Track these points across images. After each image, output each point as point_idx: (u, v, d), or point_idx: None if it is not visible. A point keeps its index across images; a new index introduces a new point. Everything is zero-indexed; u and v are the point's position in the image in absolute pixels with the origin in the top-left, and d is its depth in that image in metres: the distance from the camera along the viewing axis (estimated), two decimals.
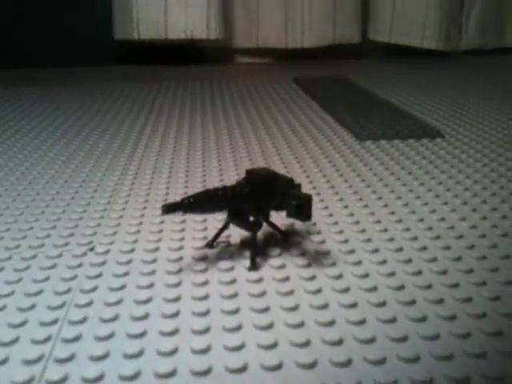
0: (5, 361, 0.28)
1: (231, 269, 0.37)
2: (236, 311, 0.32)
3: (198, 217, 0.45)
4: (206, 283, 0.35)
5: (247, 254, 0.38)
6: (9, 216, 0.46)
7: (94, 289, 0.34)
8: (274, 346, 0.29)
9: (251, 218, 0.38)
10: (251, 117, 0.79)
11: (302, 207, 0.35)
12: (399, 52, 1.33)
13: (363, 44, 1.35)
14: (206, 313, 0.32)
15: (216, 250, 0.39)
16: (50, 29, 1.27)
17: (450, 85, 1.02)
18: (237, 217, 0.38)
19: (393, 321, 0.31)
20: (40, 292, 0.34)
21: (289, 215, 0.36)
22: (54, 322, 0.31)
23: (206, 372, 0.27)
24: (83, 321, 0.31)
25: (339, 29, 1.31)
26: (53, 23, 1.27)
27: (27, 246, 0.40)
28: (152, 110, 0.84)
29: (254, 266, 0.37)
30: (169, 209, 0.35)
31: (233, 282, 0.35)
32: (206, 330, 0.30)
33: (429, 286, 0.35)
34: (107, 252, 0.39)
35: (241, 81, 1.09)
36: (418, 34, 1.29)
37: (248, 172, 0.38)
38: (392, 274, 0.36)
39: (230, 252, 0.39)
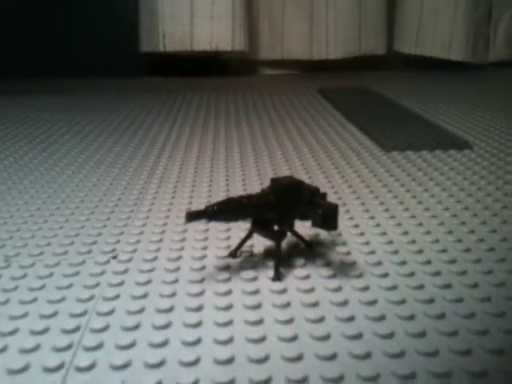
0: (26, 368, 0.28)
1: (255, 279, 0.36)
2: (260, 322, 0.31)
3: (222, 226, 0.44)
4: (229, 293, 0.34)
5: (271, 263, 0.38)
6: (33, 224, 0.46)
7: (117, 297, 0.34)
8: (298, 358, 0.28)
9: (275, 227, 0.37)
10: (275, 127, 0.79)
11: (327, 216, 0.34)
12: (424, 64, 1.32)
13: (388, 55, 1.34)
14: (228, 323, 0.31)
15: (239, 260, 0.39)
16: (80, 40, 1.29)
17: (477, 96, 1.00)
18: (261, 226, 0.37)
19: (422, 335, 0.30)
20: (62, 299, 0.34)
21: (314, 225, 0.36)
22: (76, 329, 0.31)
23: (229, 383, 0.26)
24: (105, 329, 0.31)
25: (364, 40, 1.30)
26: (83, 35, 1.29)
27: (51, 253, 0.40)
28: (176, 121, 0.84)
29: (277, 276, 0.36)
30: (192, 217, 0.34)
31: (256, 292, 0.34)
32: (229, 341, 0.29)
33: (459, 300, 0.33)
34: (130, 260, 0.39)
35: (265, 92, 1.09)
36: (444, 45, 1.27)
37: (273, 180, 0.38)
38: (421, 287, 0.35)
39: (253, 262, 0.38)
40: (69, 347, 0.29)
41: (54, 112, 0.93)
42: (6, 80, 1.21)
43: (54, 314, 0.32)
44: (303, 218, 0.37)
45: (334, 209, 0.35)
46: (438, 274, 0.37)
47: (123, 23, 1.27)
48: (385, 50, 1.33)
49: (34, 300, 0.34)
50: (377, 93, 1.02)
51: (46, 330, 0.31)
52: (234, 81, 1.25)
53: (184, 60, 1.26)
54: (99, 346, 0.29)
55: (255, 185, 0.54)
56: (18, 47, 1.27)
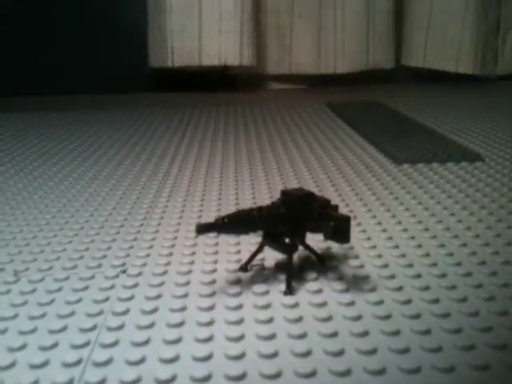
0: (35, 383, 0.27)
1: (266, 293, 0.36)
2: (272, 337, 0.31)
3: (232, 240, 0.44)
4: (240, 307, 0.34)
5: (282, 277, 0.37)
6: (43, 238, 0.46)
7: (126, 311, 0.34)
8: (312, 374, 0.27)
9: (287, 240, 0.37)
10: (284, 141, 0.79)
11: (339, 229, 0.34)
12: (433, 77, 1.31)
13: (396, 69, 1.34)
14: (240, 338, 0.31)
15: (250, 274, 0.38)
16: (89, 56, 1.30)
17: (486, 109, 1.00)
18: (272, 239, 0.37)
19: (439, 350, 0.29)
20: (72, 314, 0.34)
21: (326, 237, 0.35)
22: (86, 344, 0.30)
23: None
24: (115, 344, 0.30)
25: (372, 54, 1.30)
26: (92, 50, 1.30)
27: (60, 268, 0.40)
28: (185, 135, 0.84)
29: (289, 290, 0.35)
30: (203, 229, 0.34)
31: (268, 306, 0.34)
32: (241, 356, 0.29)
33: (475, 313, 0.33)
34: (140, 274, 0.39)
35: (274, 106, 1.09)
36: (452, 58, 1.27)
37: (283, 193, 0.37)
38: (436, 301, 0.34)
39: (264, 275, 0.38)
40: (78, 363, 0.29)
41: (61, 127, 0.93)
42: (16, 97, 1.22)
43: (63, 328, 0.32)
44: (315, 230, 0.36)
45: (346, 221, 0.34)
46: (453, 287, 0.36)
47: (132, 39, 1.28)
48: (393, 63, 1.33)
49: (44, 315, 0.33)
50: (386, 106, 1.02)
51: (55, 345, 0.30)
52: (242, 96, 1.25)
53: (192, 75, 1.26)
54: (109, 362, 0.29)
55: (265, 198, 0.54)
56: (27, 65, 1.29)
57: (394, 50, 1.33)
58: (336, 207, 0.37)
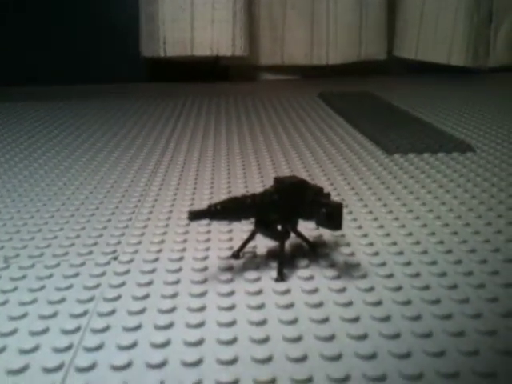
0: (25, 368, 0.27)
1: (258, 279, 0.36)
2: (263, 322, 0.31)
3: (224, 227, 0.44)
4: (231, 293, 0.34)
5: (274, 264, 0.37)
6: (33, 225, 0.45)
7: (118, 297, 0.34)
8: (303, 358, 0.27)
9: (279, 227, 0.37)
10: (276, 130, 0.78)
11: (332, 215, 0.34)
12: (425, 69, 1.32)
13: (389, 60, 1.34)
14: (232, 323, 0.31)
15: (242, 261, 0.38)
16: (81, 46, 1.29)
17: (478, 101, 1.00)
18: (264, 226, 0.37)
19: (429, 335, 0.29)
20: (63, 300, 0.33)
21: (318, 224, 0.35)
22: (76, 330, 0.30)
23: (233, 383, 0.26)
24: (106, 329, 0.30)
25: (365, 46, 1.30)
26: (84, 40, 1.29)
27: (51, 255, 0.40)
28: (177, 125, 0.84)
29: (281, 277, 0.35)
30: (195, 215, 0.34)
31: (259, 292, 0.34)
32: (233, 341, 0.29)
33: (465, 300, 0.33)
34: (131, 261, 0.38)
35: (266, 96, 1.09)
36: (445, 50, 1.27)
37: (276, 180, 0.37)
38: (426, 288, 0.34)
39: (256, 263, 0.38)
40: (69, 348, 0.29)
41: (53, 116, 0.92)
42: (8, 86, 1.21)
43: (54, 314, 0.32)
44: (307, 217, 0.36)
45: (338, 207, 0.34)
46: (443, 274, 0.36)
47: (124, 28, 1.27)
48: (385, 55, 1.33)
49: (34, 301, 0.33)
50: (378, 97, 1.02)
51: (45, 331, 0.30)
52: (234, 86, 1.25)
53: (185, 66, 1.26)
54: (100, 347, 0.29)
55: (257, 187, 0.54)
56: (19, 54, 1.27)
57: (386, 41, 1.33)
58: (328, 195, 0.37)
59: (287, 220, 0.37)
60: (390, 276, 0.36)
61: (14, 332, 0.30)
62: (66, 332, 0.30)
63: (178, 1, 1.16)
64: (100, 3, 1.28)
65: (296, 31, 1.29)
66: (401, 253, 0.39)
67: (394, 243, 0.41)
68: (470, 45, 1.26)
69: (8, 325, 0.31)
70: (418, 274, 0.36)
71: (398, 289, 0.34)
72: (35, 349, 0.29)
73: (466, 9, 1.24)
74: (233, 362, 0.27)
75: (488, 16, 1.27)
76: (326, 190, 0.37)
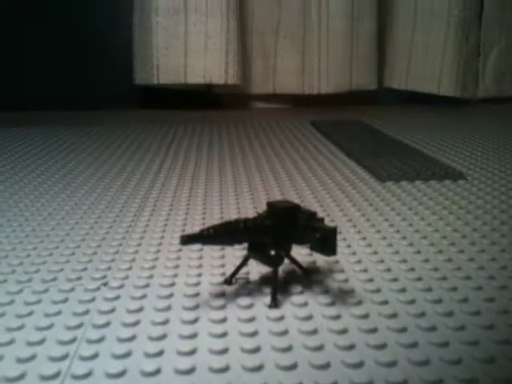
0: None
1: (250, 306, 0.35)
2: (256, 350, 0.30)
3: (216, 253, 0.43)
4: (224, 320, 0.33)
5: (267, 291, 0.37)
6: (22, 250, 0.45)
7: (107, 324, 0.33)
8: None
9: (272, 253, 0.36)
10: (269, 157, 0.78)
11: (326, 240, 0.34)
12: (416, 99, 1.33)
13: (379, 91, 1.36)
14: (224, 351, 0.30)
15: (235, 287, 0.38)
16: (75, 73, 1.29)
17: (468, 130, 1.01)
18: (257, 251, 0.36)
19: (426, 363, 0.29)
20: (51, 326, 0.33)
21: (312, 248, 0.35)
22: (65, 357, 0.29)
23: None
24: (95, 356, 0.29)
25: (356, 76, 1.31)
26: (78, 67, 1.30)
27: (40, 280, 0.39)
28: (169, 151, 0.84)
29: (274, 303, 0.35)
30: (187, 240, 0.33)
31: (252, 319, 0.33)
32: (225, 369, 0.28)
33: (462, 328, 0.32)
34: (121, 287, 0.38)
35: (258, 123, 1.10)
36: (434, 81, 1.29)
37: (269, 204, 0.37)
38: (422, 315, 0.34)
39: (249, 289, 0.37)
40: (57, 375, 0.28)
41: (43, 143, 0.92)
42: (4, 112, 1.21)
43: (42, 341, 0.31)
44: (301, 242, 0.36)
45: (332, 232, 0.34)
46: (439, 301, 0.36)
47: (118, 55, 1.28)
48: (376, 85, 1.34)
49: (22, 327, 0.32)
50: (369, 126, 1.03)
51: (32, 358, 0.29)
52: (226, 114, 1.25)
53: (176, 93, 1.27)
54: (88, 375, 0.28)
55: (250, 213, 0.53)
56: (15, 81, 1.28)
57: (377, 71, 1.34)
58: (322, 220, 0.37)
59: (280, 245, 0.36)
60: (385, 303, 0.35)
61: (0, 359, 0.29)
62: (53, 359, 0.29)
63: (171, 29, 1.17)
64: (94, 30, 1.29)
65: (288, 60, 1.31)
66: (395, 279, 0.39)
67: (389, 269, 0.40)
68: (459, 76, 1.28)
69: None
70: (413, 301, 0.36)
71: (394, 316, 0.34)
72: (22, 376, 0.28)
73: (454, 41, 1.27)
74: None
75: (476, 48, 1.30)
76: (319, 216, 0.37)
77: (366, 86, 1.34)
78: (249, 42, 1.29)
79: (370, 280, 0.39)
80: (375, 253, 0.44)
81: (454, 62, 1.27)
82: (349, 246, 0.45)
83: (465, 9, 1.25)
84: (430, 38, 1.29)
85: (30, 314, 0.34)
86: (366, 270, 0.40)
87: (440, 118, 1.19)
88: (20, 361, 0.29)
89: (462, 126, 1.07)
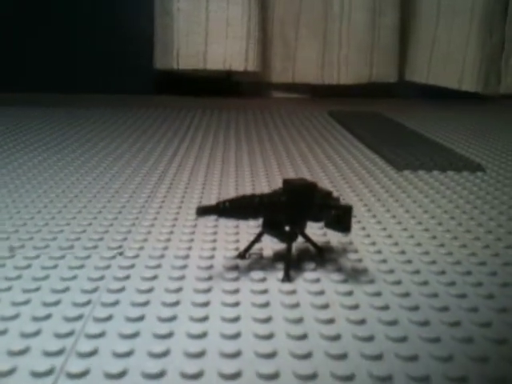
0: (26, 351, 0.27)
1: (263, 279, 0.35)
2: (268, 320, 0.30)
3: (230, 230, 0.43)
4: (236, 291, 0.33)
5: (280, 266, 0.37)
6: (40, 219, 0.45)
7: (122, 289, 0.33)
8: (308, 355, 0.27)
9: (286, 229, 0.36)
10: (287, 145, 0.78)
11: (341, 217, 0.34)
12: (437, 93, 1.32)
13: (400, 84, 1.35)
14: (235, 319, 0.30)
15: (248, 261, 0.38)
16: (96, 57, 1.30)
17: (488, 125, 1.00)
18: (272, 226, 0.37)
19: (436, 340, 0.29)
20: (66, 289, 0.33)
21: (327, 226, 0.35)
22: (79, 318, 0.30)
23: (235, 376, 0.25)
24: (108, 319, 0.30)
25: (376, 68, 1.31)
26: (98, 51, 1.30)
27: (56, 247, 0.40)
28: (187, 135, 0.84)
29: (287, 278, 0.35)
30: (203, 211, 0.33)
31: (265, 291, 0.34)
32: (237, 336, 0.28)
33: (474, 309, 0.32)
34: (136, 256, 0.38)
35: (276, 112, 1.10)
36: (456, 76, 1.28)
37: (285, 181, 0.37)
38: (435, 295, 0.34)
39: (262, 264, 0.38)
40: (70, 334, 0.28)
41: (62, 122, 0.93)
42: (34, 92, 1.22)
43: (57, 302, 0.31)
44: (316, 219, 0.36)
45: (347, 210, 0.34)
46: (452, 283, 0.36)
47: (139, 41, 1.28)
48: (396, 78, 1.33)
49: (37, 289, 0.33)
50: (388, 117, 1.02)
51: (48, 317, 0.30)
52: (244, 102, 1.25)
53: (196, 80, 1.27)
54: (102, 335, 0.28)
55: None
56: (40, 63, 1.29)
57: (397, 64, 1.33)
58: (338, 199, 0.37)
59: (295, 222, 0.36)
60: (398, 283, 0.35)
61: (16, 316, 0.30)
62: (68, 319, 0.30)
63: (193, 15, 1.17)
64: (116, 15, 1.30)
65: (308, 50, 1.30)
66: (409, 261, 0.39)
67: (403, 252, 0.40)
68: (481, 71, 1.26)
69: (10, 310, 0.30)
70: (426, 282, 0.36)
71: (406, 295, 0.34)
72: (37, 333, 0.28)
73: (478, 35, 1.25)
74: (236, 355, 0.27)
75: (500, 44, 1.28)
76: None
77: (387, 78, 1.32)
78: (269, 31, 1.29)
79: (384, 261, 0.39)
80: (390, 236, 0.44)
81: (477, 58, 1.25)
82: (363, 228, 0.45)
83: (489, 4, 1.23)
84: (453, 32, 1.28)
85: (47, 277, 0.35)
86: (379, 252, 0.40)
87: (460, 112, 1.18)
88: (36, 319, 0.30)
89: (482, 120, 1.06)
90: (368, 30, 1.28)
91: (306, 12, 1.29)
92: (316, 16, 1.29)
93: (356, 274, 0.36)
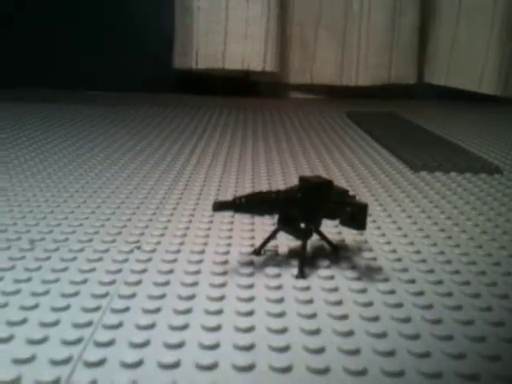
0: (45, 339, 0.27)
1: (278, 275, 0.36)
2: (282, 314, 0.31)
3: (246, 226, 0.44)
4: (251, 286, 0.34)
5: (295, 263, 0.37)
6: (60, 213, 0.46)
7: (139, 282, 0.34)
8: (321, 350, 0.27)
9: (302, 226, 0.37)
10: (304, 145, 0.79)
11: (356, 215, 0.34)
12: (455, 95, 1.31)
13: (418, 85, 1.34)
14: (250, 313, 0.31)
15: (263, 258, 0.38)
16: (118, 56, 1.32)
17: (507, 128, 0.99)
18: (287, 223, 0.37)
19: (449, 338, 0.29)
20: (85, 281, 0.34)
21: (342, 223, 0.35)
22: (97, 309, 0.30)
23: (249, 368, 0.26)
24: (125, 310, 0.30)
25: (395, 69, 1.30)
26: (118, 50, 1.32)
27: (76, 240, 0.40)
28: (204, 133, 0.85)
29: (301, 274, 0.35)
30: (219, 206, 0.34)
31: (279, 287, 0.34)
32: (251, 329, 0.29)
33: (488, 309, 0.32)
34: (153, 251, 0.39)
35: (293, 113, 1.10)
36: (475, 78, 1.27)
37: (301, 179, 0.37)
38: (449, 295, 0.34)
39: (277, 260, 0.38)
40: (88, 325, 0.29)
41: (89, 120, 0.94)
42: (52, 90, 1.24)
43: (76, 293, 0.32)
44: (331, 216, 0.37)
45: (363, 207, 0.34)
46: (467, 283, 0.36)
47: (159, 40, 1.29)
48: (415, 79, 1.33)
49: (57, 280, 0.34)
50: (406, 119, 1.02)
51: (67, 308, 0.30)
52: (262, 102, 1.26)
53: (215, 80, 1.28)
54: (119, 325, 0.29)
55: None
56: (63, 62, 1.31)
57: (416, 65, 1.33)
58: (354, 197, 0.37)
59: (310, 219, 0.37)
60: (412, 281, 0.36)
61: (35, 307, 0.30)
62: (86, 310, 0.30)
63: (212, 15, 1.18)
64: (136, 15, 1.31)
65: (327, 51, 1.30)
66: (424, 261, 0.39)
67: (418, 251, 0.40)
68: (501, 74, 1.25)
69: (30, 300, 0.31)
70: (440, 282, 0.36)
71: (420, 293, 0.34)
72: (55, 323, 0.29)
73: (498, 38, 1.24)
74: (250, 348, 0.27)
75: None
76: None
77: (406, 79, 1.32)
78: (288, 31, 1.29)
79: (398, 260, 0.39)
80: (405, 235, 0.44)
81: (497, 61, 1.24)
82: (378, 227, 0.45)
83: (511, 5, 1.22)
84: (474, 34, 1.27)
85: (65, 269, 0.35)
86: (394, 251, 0.40)
87: (479, 114, 1.17)
88: (55, 310, 0.30)
89: (501, 123, 1.05)
90: (387, 30, 1.28)
91: (326, 12, 1.29)
92: (335, 16, 1.29)
93: (370, 272, 0.37)
